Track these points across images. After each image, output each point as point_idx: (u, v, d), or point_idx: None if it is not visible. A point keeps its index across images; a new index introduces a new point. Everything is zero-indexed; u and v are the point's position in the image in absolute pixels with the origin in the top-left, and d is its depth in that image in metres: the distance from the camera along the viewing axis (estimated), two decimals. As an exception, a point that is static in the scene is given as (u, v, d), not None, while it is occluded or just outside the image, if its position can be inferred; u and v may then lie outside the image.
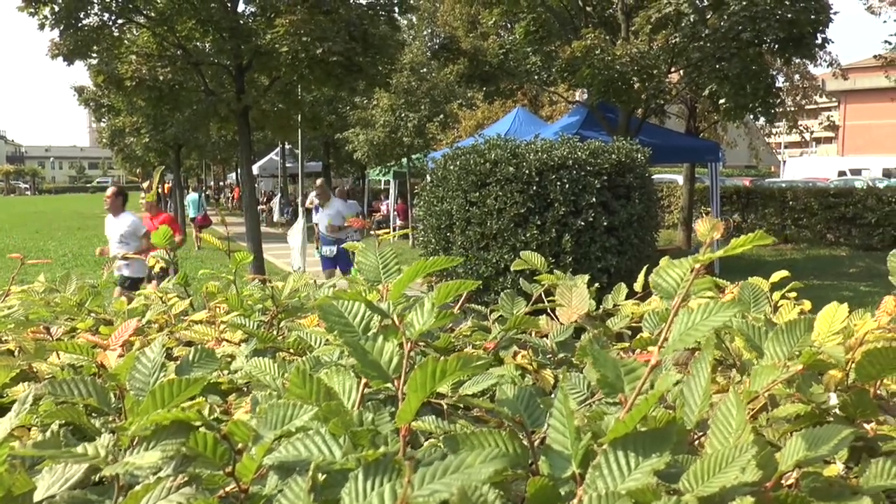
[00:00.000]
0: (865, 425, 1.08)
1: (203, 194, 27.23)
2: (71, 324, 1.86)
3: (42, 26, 12.42)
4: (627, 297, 1.80)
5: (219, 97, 13.60)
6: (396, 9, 14.17)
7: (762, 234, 0.92)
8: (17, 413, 1.03)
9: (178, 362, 1.17)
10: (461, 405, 1.21)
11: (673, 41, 14.39)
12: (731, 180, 29.65)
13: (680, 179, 23.42)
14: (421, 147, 21.15)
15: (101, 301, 2.09)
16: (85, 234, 27.53)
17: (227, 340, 1.67)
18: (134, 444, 0.92)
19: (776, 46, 14.20)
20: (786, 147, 54.57)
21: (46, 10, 12.26)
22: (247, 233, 13.92)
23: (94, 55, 13.29)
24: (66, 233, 28.33)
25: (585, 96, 16.43)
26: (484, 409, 1.18)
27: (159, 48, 13.33)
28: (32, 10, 12.24)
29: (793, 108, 24.97)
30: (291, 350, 1.52)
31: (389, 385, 0.99)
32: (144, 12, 13.12)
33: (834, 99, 49.27)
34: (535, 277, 1.79)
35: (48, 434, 1.04)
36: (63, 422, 1.07)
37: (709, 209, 18.09)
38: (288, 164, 34.06)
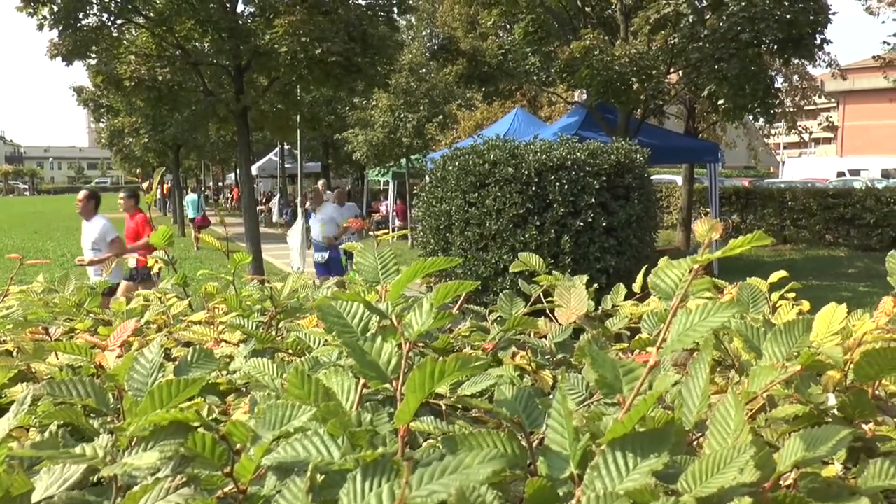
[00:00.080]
0: (864, 426, 1.08)
1: (202, 195, 27.21)
2: (69, 324, 1.86)
3: (41, 26, 12.42)
4: (626, 298, 1.80)
5: (218, 97, 13.60)
6: (395, 9, 14.18)
7: (761, 234, 0.92)
8: (16, 413, 1.03)
9: (177, 363, 1.17)
10: (460, 406, 1.21)
11: (672, 42, 14.40)
12: (730, 181, 29.66)
13: (679, 180, 23.42)
14: (420, 147, 21.16)
15: (100, 301, 2.08)
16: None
17: (225, 341, 1.67)
18: (132, 444, 0.92)
19: (775, 47, 14.22)
20: (785, 148, 54.64)
21: (45, 11, 12.26)
22: (246, 233, 13.93)
23: (93, 55, 13.29)
24: (64, 233, 28.32)
25: (584, 97, 16.44)
26: (482, 410, 1.18)
27: (158, 48, 13.33)
28: (31, 11, 12.24)
29: (792, 109, 25.01)
30: (290, 351, 1.52)
31: (388, 386, 0.99)
32: (143, 12, 13.13)
33: (833, 99, 49.29)
34: (533, 278, 1.79)
35: (46, 435, 1.04)
36: (61, 422, 1.07)
37: (708, 210, 18.10)
38: (287, 165, 34.08)
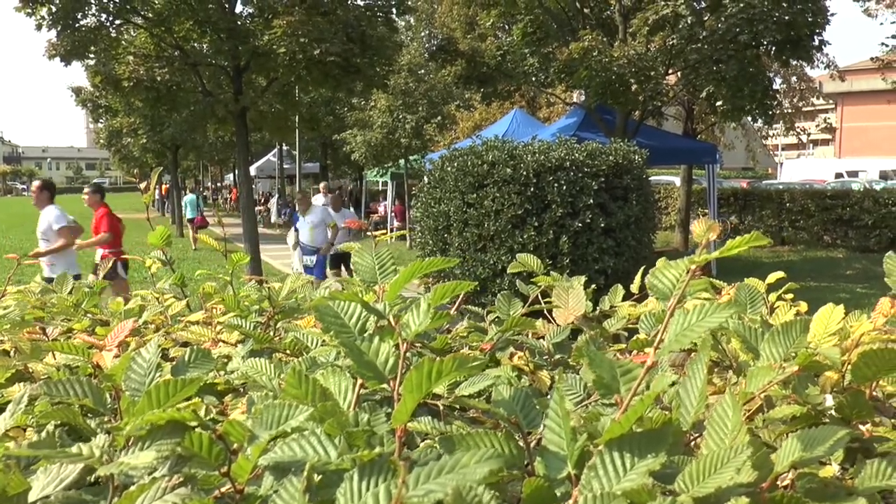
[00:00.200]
0: (861, 427, 1.08)
1: (201, 195, 27.20)
2: (67, 324, 1.86)
3: (39, 26, 12.42)
4: (624, 299, 1.80)
5: (216, 98, 13.60)
6: (394, 10, 14.18)
7: (758, 234, 0.92)
8: (13, 413, 1.03)
9: (174, 363, 1.17)
10: (457, 406, 1.21)
11: (670, 43, 14.42)
12: (728, 182, 29.69)
13: (677, 181, 23.45)
14: (418, 148, 21.15)
15: (98, 302, 2.08)
16: (82, 235, 27.43)
17: (223, 341, 1.67)
18: (129, 444, 0.92)
19: (773, 48, 14.25)
20: (783, 149, 54.68)
21: (44, 11, 12.25)
22: (244, 234, 13.93)
23: (92, 56, 13.29)
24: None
25: (583, 98, 16.46)
26: (480, 411, 1.18)
27: (157, 49, 13.33)
28: (30, 11, 12.24)
29: (790, 110, 25.05)
30: (288, 351, 1.52)
31: (385, 386, 0.98)
32: (142, 13, 13.12)
33: (831, 101, 49.31)
34: (531, 279, 1.79)
35: (43, 434, 1.04)
36: (58, 422, 1.07)
37: (706, 211, 18.12)
38: (286, 166, 34.08)
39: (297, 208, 12.23)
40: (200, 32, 13.45)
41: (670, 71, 15.48)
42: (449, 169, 9.34)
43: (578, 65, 13.66)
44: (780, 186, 23.83)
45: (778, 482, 0.90)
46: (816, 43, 14.34)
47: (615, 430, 0.82)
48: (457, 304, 1.68)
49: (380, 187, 33.72)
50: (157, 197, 42.26)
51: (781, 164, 42.38)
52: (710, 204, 16.69)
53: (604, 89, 13.66)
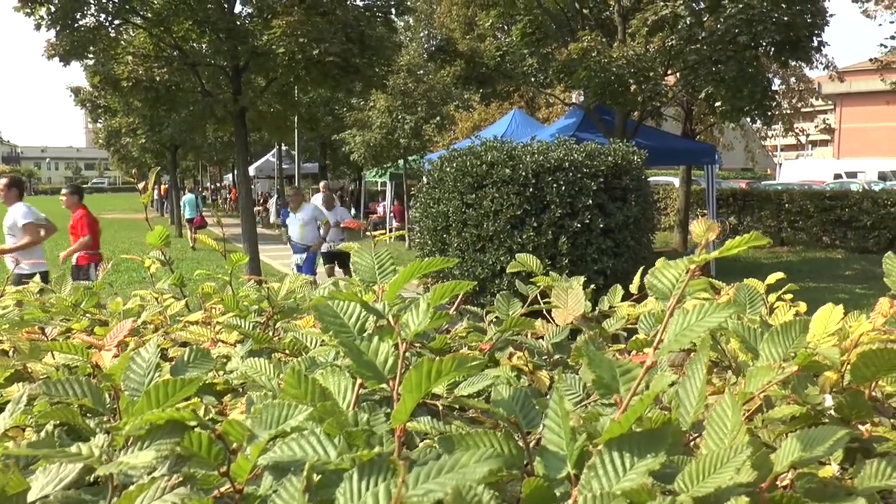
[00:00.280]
0: (860, 427, 1.08)
1: (200, 195, 27.19)
2: (66, 324, 1.85)
3: (38, 26, 12.41)
4: (623, 299, 1.80)
5: (215, 98, 13.59)
6: (393, 10, 14.17)
7: (758, 234, 0.92)
8: (12, 413, 1.03)
9: (174, 363, 1.17)
10: (456, 406, 1.21)
11: (669, 44, 14.43)
12: (727, 183, 29.72)
13: (676, 182, 23.47)
14: (417, 149, 21.15)
15: (97, 302, 2.08)
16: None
17: (222, 341, 1.67)
18: (128, 444, 0.92)
19: (772, 49, 14.26)
20: (782, 150, 54.67)
21: (43, 11, 12.24)
22: (243, 234, 13.92)
23: (91, 56, 13.28)
24: (61, 233, 28.17)
25: (582, 98, 16.46)
26: (479, 410, 1.18)
27: (156, 49, 13.32)
28: (29, 11, 12.22)
29: (789, 111, 25.07)
30: (287, 351, 1.52)
31: (385, 386, 0.98)
32: (141, 13, 13.11)
33: (830, 102, 49.31)
34: (531, 279, 1.79)
35: (42, 434, 1.04)
36: (57, 422, 1.07)
37: (705, 211, 18.12)
38: (285, 166, 34.05)
39: (288, 205, 12.13)
40: (199, 32, 13.44)
41: (669, 71, 15.49)
42: (448, 169, 9.34)
43: (577, 65, 13.66)
44: (779, 187, 23.87)
45: (777, 482, 0.90)
46: (815, 44, 14.35)
47: (615, 429, 0.82)
48: (456, 304, 1.68)
49: (379, 188, 33.72)
50: (155, 197, 42.24)
51: (780, 164, 42.38)
52: (708, 204, 16.69)
53: (603, 90, 13.66)
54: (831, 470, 0.98)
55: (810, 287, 13.23)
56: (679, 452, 0.91)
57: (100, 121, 30.29)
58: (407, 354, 1.04)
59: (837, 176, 33.67)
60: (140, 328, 1.84)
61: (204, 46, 14.60)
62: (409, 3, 14.62)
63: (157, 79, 12.85)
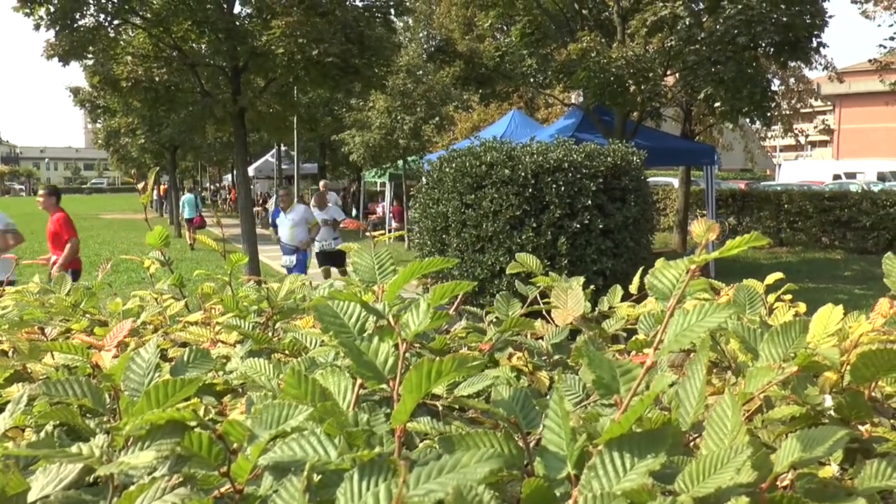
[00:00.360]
0: (860, 427, 1.08)
1: (199, 196, 27.18)
2: (66, 324, 1.85)
3: (37, 27, 12.40)
4: (623, 300, 1.80)
5: (215, 98, 13.59)
6: (392, 11, 14.17)
7: (758, 235, 0.92)
8: (12, 413, 1.03)
9: (174, 363, 1.17)
10: (456, 406, 1.21)
11: (669, 44, 14.44)
12: (726, 183, 29.73)
13: (675, 182, 23.47)
14: (417, 149, 21.15)
15: (96, 302, 2.08)
16: (80, 236, 27.41)
17: (222, 342, 1.67)
18: (128, 444, 0.92)
19: (772, 50, 14.26)
20: (781, 150, 54.71)
21: (42, 11, 12.24)
22: (242, 234, 13.92)
23: (90, 56, 13.27)
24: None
25: (581, 99, 16.46)
26: (479, 411, 1.18)
27: (155, 49, 13.32)
28: (28, 11, 12.22)
29: (788, 112, 25.08)
30: (287, 351, 1.52)
31: (385, 386, 0.98)
32: (140, 13, 13.11)
33: (829, 102, 49.35)
34: (530, 279, 1.79)
35: (42, 434, 1.04)
36: (57, 422, 1.06)
37: (704, 212, 18.13)
38: (284, 166, 34.04)
39: (279, 205, 11.94)
40: (199, 33, 13.44)
41: (668, 72, 15.49)
42: (447, 170, 9.34)
43: (577, 66, 13.66)
44: (779, 188, 23.87)
45: (777, 482, 0.90)
46: (815, 45, 14.36)
47: (615, 430, 0.82)
48: (455, 304, 1.68)
49: (378, 188, 33.70)
50: (155, 197, 42.22)
51: (779, 165, 42.41)
52: (708, 205, 16.70)
53: (602, 90, 13.66)
54: (831, 470, 0.98)
55: (809, 287, 13.24)
56: (679, 453, 0.91)
57: (99, 121, 30.28)
58: (407, 355, 1.04)
59: (836, 177, 33.69)
60: (139, 328, 1.84)
61: (203, 47, 14.60)
62: (408, 4, 14.63)
63: (157, 79, 12.85)
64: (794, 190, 22.07)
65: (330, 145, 30.10)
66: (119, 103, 20.13)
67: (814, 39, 14.15)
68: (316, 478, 0.83)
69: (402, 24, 36.04)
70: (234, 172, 32.27)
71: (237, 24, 13.24)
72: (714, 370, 1.32)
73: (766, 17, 13.22)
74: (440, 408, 1.20)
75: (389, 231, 21.95)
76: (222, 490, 0.88)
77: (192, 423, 0.92)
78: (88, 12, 12.78)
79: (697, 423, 0.94)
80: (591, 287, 1.78)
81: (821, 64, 23.16)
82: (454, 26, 31.30)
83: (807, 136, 28.25)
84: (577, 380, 1.24)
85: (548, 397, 1.19)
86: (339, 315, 1.15)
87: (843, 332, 1.28)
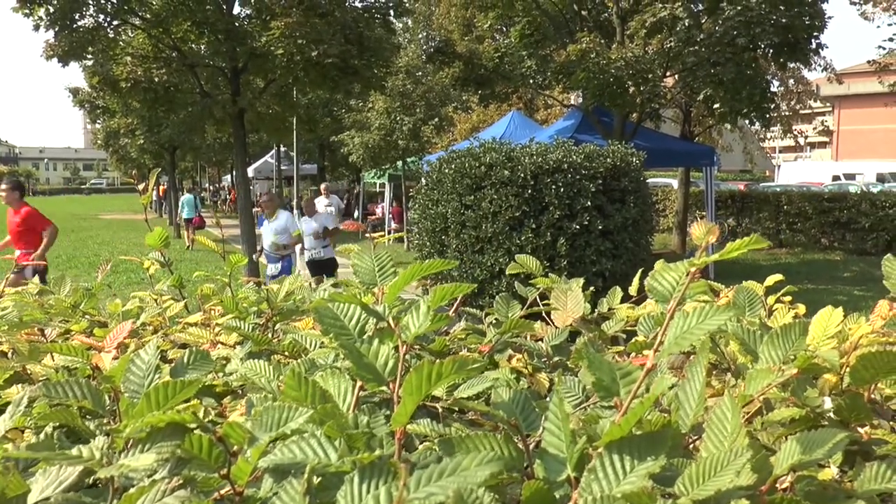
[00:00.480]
0: (860, 429, 1.08)
1: (199, 196, 27.18)
2: (65, 326, 1.85)
3: (37, 27, 12.40)
4: (622, 301, 1.80)
5: (214, 99, 13.60)
6: (392, 12, 14.18)
7: (758, 237, 0.92)
8: (12, 415, 1.03)
9: (173, 365, 1.17)
10: (456, 408, 1.21)
11: (668, 45, 14.44)
12: (725, 184, 29.73)
13: (675, 183, 23.46)
14: (416, 150, 21.14)
15: (96, 303, 2.08)
16: (79, 236, 27.49)
17: (221, 343, 1.67)
18: (128, 446, 0.92)
19: (771, 51, 14.26)
20: (780, 151, 54.69)
21: (41, 11, 12.24)
22: (242, 235, 13.92)
23: (90, 56, 13.27)
24: (60, 234, 28.19)
25: (580, 100, 16.46)
26: (479, 413, 1.18)
27: (155, 50, 13.32)
28: (27, 11, 12.22)
29: (787, 113, 25.07)
30: (286, 353, 1.51)
31: (385, 388, 0.98)
32: (140, 14, 13.11)
33: (828, 104, 49.36)
34: (529, 281, 1.79)
35: (42, 436, 1.04)
36: (57, 424, 1.06)
37: (704, 213, 18.12)
38: (283, 167, 34.04)
39: (262, 211, 11.50)
40: (198, 33, 13.44)
41: (668, 73, 15.49)
42: (446, 171, 9.34)
43: (576, 67, 13.66)
44: (778, 189, 23.87)
45: (777, 485, 0.90)
46: (814, 46, 14.36)
47: (615, 432, 0.82)
48: (455, 305, 1.68)
49: (377, 189, 33.70)
50: (154, 198, 42.22)
51: (779, 166, 42.42)
52: (707, 206, 16.69)
53: (601, 91, 13.66)
54: (831, 473, 0.98)
55: (809, 289, 13.24)
56: (679, 455, 0.91)
57: (98, 121, 30.27)
58: (407, 357, 1.04)
59: (836, 178, 33.71)
60: (139, 330, 1.84)
61: (203, 47, 14.61)
62: (407, 5, 14.64)
63: (156, 79, 12.85)
64: (793, 191, 22.07)
65: (329, 146, 30.10)
66: (118, 104, 20.13)
67: (813, 41, 14.15)
68: (316, 480, 0.83)
69: (401, 25, 36.05)
70: (234, 173, 32.28)
71: (236, 24, 13.24)
72: (714, 372, 1.32)
73: (766, 19, 13.22)
74: (440, 410, 1.20)
75: (389, 232, 21.96)
76: (222, 492, 0.88)
77: (193, 426, 0.92)
78: (88, 13, 12.79)
79: (697, 426, 0.94)
80: (591, 288, 1.78)
81: (820, 65, 23.14)
82: (453, 27, 31.31)
83: (806, 137, 28.22)
84: (577, 382, 1.24)
85: (548, 399, 1.19)
86: (339, 317, 1.15)
87: (842, 334, 1.28)
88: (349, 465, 0.81)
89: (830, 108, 50.75)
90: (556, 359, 1.57)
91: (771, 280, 1.65)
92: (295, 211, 16.88)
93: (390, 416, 0.95)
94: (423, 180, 10.24)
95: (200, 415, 1.16)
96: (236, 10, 13.61)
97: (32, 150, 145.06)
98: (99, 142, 34.77)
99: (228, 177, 45.86)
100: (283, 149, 33.08)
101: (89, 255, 20.48)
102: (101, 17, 13.06)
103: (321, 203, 16.80)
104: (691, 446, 1.04)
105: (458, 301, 1.60)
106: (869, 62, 22.95)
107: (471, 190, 9.01)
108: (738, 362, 1.25)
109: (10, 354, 1.57)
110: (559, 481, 0.84)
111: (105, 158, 64.73)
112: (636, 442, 0.82)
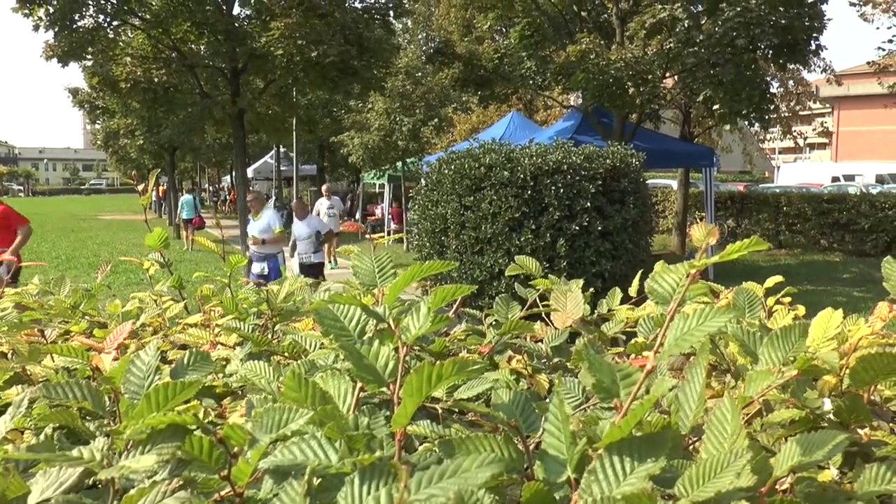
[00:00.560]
0: (859, 431, 1.08)
1: (198, 197, 27.17)
2: (65, 326, 1.85)
3: (37, 27, 12.41)
4: (622, 302, 1.80)
5: (214, 100, 13.61)
6: (391, 13, 14.18)
7: (758, 239, 0.92)
8: (12, 416, 1.03)
9: (173, 366, 1.17)
10: (456, 409, 1.21)
11: (667, 46, 14.44)
12: (725, 185, 29.73)
13: (674, 184, 23.46)
14: (416, 151, 21.14)
15: (96, 304, 2.08)
16: (79, 237, 27.49)
17: (221, 344, 1.67)
18: (129, 447, 0.92)
19: (770, 52, 14.26)
20: (780, 153, 54.70)
21: (41, 12, 12.25)
22: (241, 235, 13.92)
23: (89, 57, 13.28)
24: (59, 235, 28.27)
25: (580, 101, 16.46)
26: (479, 414, 1.18)
27: (154, 50, 13.33)
28: (27, 12, 12.22)
29: (787, 114, 25.06)
30: (286, 354, 1.51)
31: (385, 389, 0.98)
32: (139, 14, 13.12)
33: (828, 105, 49.36)
34: (529, 282, 1.79)
35: (42, 437, 1.04)
36: (57, 425, 1.06)
37: (703, 214, 18.12)
38: (283, 168, 34.04)
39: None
40: (198, 34, 13.45)
41: (667, 74, 15.49)
42: (446, 171, 9.34)
43: (576, 68, 13.66)
44: (777, 190, 23.88)
45: (777, 486, 0.90)
46: (813, 47, 14.36)
47: (615, 434, 0.82)
48: (455, 307, 1.68)
49: (377, 189, 33.70)
50: (154, 199, 42.21)
51: (778, 167, 42.45)
52: (707, 207, 16.70)
53: (601, 92, 13.66)
54: (830, 474, 0.98)
55: (808, 290, 13.24)
56: (679, 456, 0.91)
57: (98, 122, 30.29)
58: (407, 358, 1.04)
59: (835, 179, 33.73)
60: (139, 331, 1.84)
61: (202, 48, 14.62)
62: (407, 6, 14.66)
63: (156, 80, 12.86)
64: (792, 192, 22.08)
65: (329, 147, 30.09)
66: (118, 104, 20.13)
67: (812, 42, 14.16)
68: (316, 481, 0.83)
69: (400, 26, 36.04)
70: (233, 174, 32.28)
71: (236, 25, 13.26)
72: (714, 373, 1.32)
73: (765, 20, 13.22)
74: (440, 411, 1.20)
75: (388, 233, 21.95)
76: (223, 493, 0.88)
77: (193, 427, 0.92)
78: (87, 13, 12.81)
79: (697, 427, 0.94)
80: (591, 289, 1.78)
81: (819, 66, 23.15)
82: (453, 28, 31.34)
83: (805, 138, 28.22)
84: (577, 383, 1.24)
85: (547, 400, 1.19)
86: (339, 318, 1.15)
87: (842, 335, 1.28)
88: (349, 467, 0.81)
89: (830, 110, 50.77)
90: (555, 360, 1.57)
91: (771, 281, 1.65)
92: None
93: (390, 417, 0.95)
94: (423, 181, 10.24)
95: (201, 416, 1.16)
96: (236, 10, 13.62)
97: (32, 150, 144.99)
98: (98, 142, 34.81)
99: (228, 177, 45.85)
100: (282, 149, 33.07)
101: (89, 256, 20.47)
102: (101, 17, 13.09)
103: (323, 205, 16.75)
104: (691, 448, 1.04)
105: (457, 302, 1.60)
106: (868, 63, 22.96)
107: (470, 191, 9.01)
108: (737, 364, 1.25)
109: (9, 355, 1.57)
110: (559, 483, 0.84)
111: (105, 159, 64.68)
112: (636, 443, 0.82)
